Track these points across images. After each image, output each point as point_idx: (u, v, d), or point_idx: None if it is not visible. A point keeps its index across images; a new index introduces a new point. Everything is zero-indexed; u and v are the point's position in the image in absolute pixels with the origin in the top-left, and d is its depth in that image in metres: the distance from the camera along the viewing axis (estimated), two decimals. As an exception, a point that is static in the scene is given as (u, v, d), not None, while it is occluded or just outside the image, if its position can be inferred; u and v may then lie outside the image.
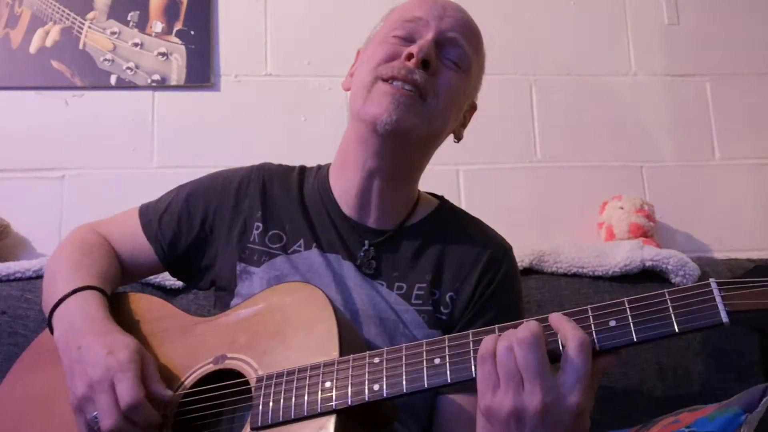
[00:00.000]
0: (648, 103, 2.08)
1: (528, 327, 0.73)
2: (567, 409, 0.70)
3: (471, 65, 1.08)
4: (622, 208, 1.88)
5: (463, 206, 1.88)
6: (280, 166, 1.20)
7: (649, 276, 1.59)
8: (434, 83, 1.02)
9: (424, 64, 1.01)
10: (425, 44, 1.02)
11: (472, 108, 1.16)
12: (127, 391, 0.86)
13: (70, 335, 0.94)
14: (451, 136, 1.15)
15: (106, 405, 0.86)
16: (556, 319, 0.75)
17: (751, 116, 2.09)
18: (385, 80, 1.01)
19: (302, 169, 1.19)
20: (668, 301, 0.72)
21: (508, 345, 0.72)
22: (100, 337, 0.92)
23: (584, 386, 0.71)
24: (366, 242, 1.07)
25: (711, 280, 0.72)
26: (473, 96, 1.15)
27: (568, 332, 0.72)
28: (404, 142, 1.03)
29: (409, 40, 1.05)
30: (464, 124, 1.16)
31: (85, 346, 0.91)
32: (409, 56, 1.01)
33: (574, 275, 1.60)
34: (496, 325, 0.78)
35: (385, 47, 1.05)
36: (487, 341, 0.74)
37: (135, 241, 1.14)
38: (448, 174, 1.94)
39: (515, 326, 0.76)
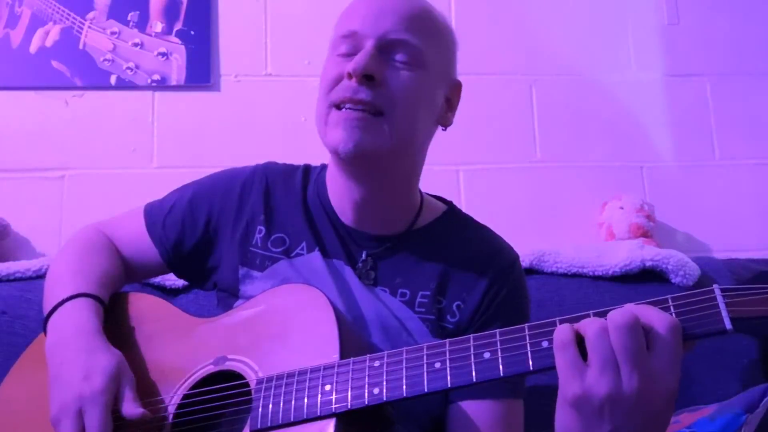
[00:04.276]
0: (648, 103, 2.08)
1: (622, 312, 0.69)
2: (662, 393, 0.68)
3: (425, 57, 0.99)
4: (622, 208, 1.88)
5: (463, 206, 1.88)
6: (285, 165, 1.17)
7: (650, 276, 1.59)
8: (386, 93, 0.95)
9: (367, 77, 0.94)
10: (360, 58, 0.94)
11: (456, 87, 1.07)
12: (94, 423, 0.85)
13: (57, 348, 0.93)
14: (439, 129, 1.08)
15: None
16: (636, 306, 0.72)
17: (751, 116, 2.09)
18: (337, 106, 0.96)
19: (306, 169, 1.16)
20: (671, 307, 0.71)
21: (600, 328, 0.69)
22: (82, 354, 0.91)
23: (678, 369, 0.69)
24: (363, 252, 1.05)
25: (715, 286, 0.71)
26: (447, 79, 1.05)
27: (654, 316, 0.70)
28: (373, 162, 0.98)
29: (352, 54, 0.97)
30: (452, 108, 1.08)
31: (66, 364, 0.90)
32: (350, 75, 0.94)
33: (574, 275, 1.61)
34: (497, 330, 0.77)
35: (331, 68, 0.99)
36: (563, 329, 0.71)
37: (139, 242, 1.13)
38: (448, 174, 1.94)
39: (517, 330, 0.75)
